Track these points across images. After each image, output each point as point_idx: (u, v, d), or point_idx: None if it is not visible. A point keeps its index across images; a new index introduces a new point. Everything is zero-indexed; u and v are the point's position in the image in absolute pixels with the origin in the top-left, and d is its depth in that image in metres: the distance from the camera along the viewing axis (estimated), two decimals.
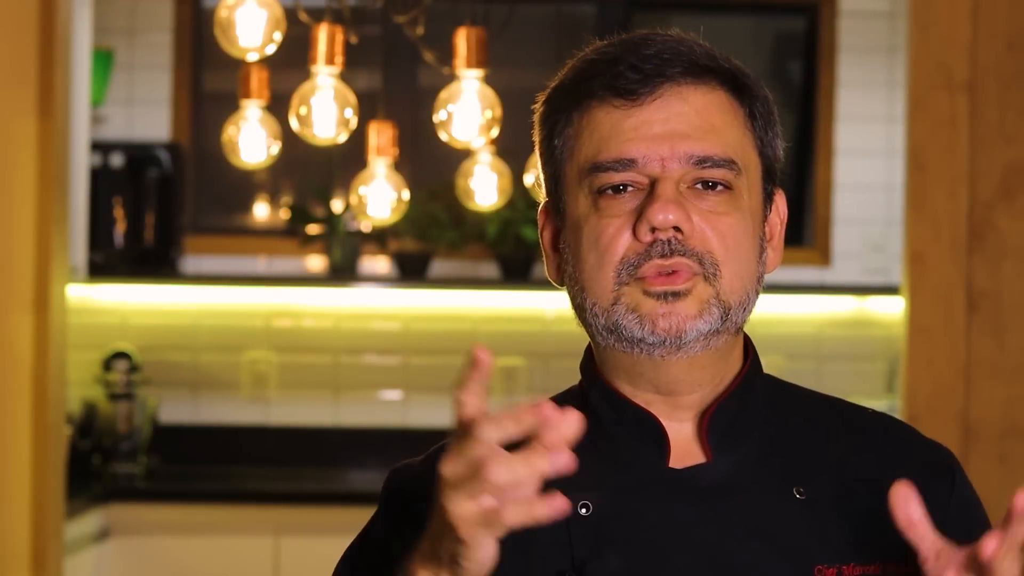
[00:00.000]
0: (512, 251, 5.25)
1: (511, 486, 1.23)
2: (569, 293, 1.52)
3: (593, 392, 1.53)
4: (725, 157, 1.46)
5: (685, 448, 1.50)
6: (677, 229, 1.44)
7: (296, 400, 5.37)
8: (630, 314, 1.45)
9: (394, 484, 1.55)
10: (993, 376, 3.52)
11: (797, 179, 5.53)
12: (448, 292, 5.37)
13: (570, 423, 1.25)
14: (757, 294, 1.50)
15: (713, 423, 1.49)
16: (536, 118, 1.55)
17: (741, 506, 1.46)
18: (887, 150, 5.42)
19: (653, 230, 1.44)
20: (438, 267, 5.36)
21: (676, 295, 1.45)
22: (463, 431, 1.26)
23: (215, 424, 5.36)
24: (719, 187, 1.46)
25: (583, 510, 1.46)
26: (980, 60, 3.53)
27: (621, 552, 1.44)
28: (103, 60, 5.24)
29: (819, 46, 5.47)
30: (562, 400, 1.57)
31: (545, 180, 1.55)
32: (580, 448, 1.50)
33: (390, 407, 5.38)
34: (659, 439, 1.49)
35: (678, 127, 1.46)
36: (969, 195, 3.54)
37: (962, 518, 1.52)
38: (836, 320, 5.38)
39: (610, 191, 1.47)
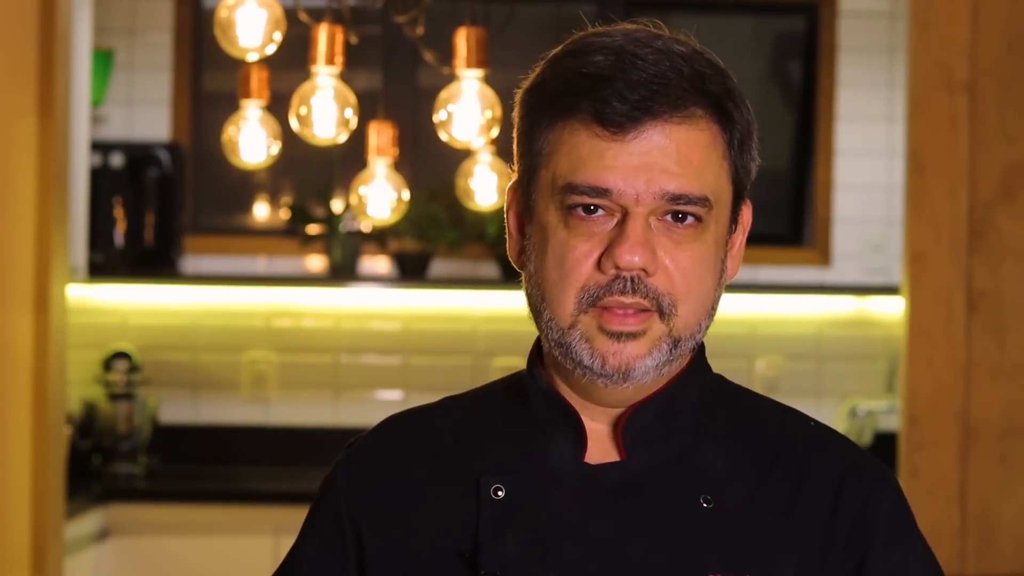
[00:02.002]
0: None
1: None
2: (526, 287, 1.54)
3: (528, 380, 1.56)
4: (700, 195, 1.47)
5: (605, 445, 1.53)
6: (642, 269, 1.46)
7: (296, 400, 5.38)
8: (583, 343, 1.48)
9: (335, 480, 1.62)
10: (993, 376, 3.52)
11: (797, 179, 5.53)
12: (448, 292, 5.37)
13: None
14: (711, 318, 1.52)
15: (630, 424, 1.52)
16: (518, 100, 1.55)
17: (645, 507, 1.48)
18: (887, 150, 5.42)
19: (617, 267, 1.46)
20: (438, 267, 5.36)
21: (631, 336, 1.47)
22: None
23: (215, 424, 5.36)
24: (689, 219, 1.48)
25: (498, 493, 1.50)
26: (980, 60, 3.53)
27: (520, 538, 1.48)
28: (103, 60, 5.24)
29: (819, 46, 5.47)
30: (505, 384, 1.62)
31: (520, 165, 1.55)
32: (508, 433, 1.54)
33: (390, 407, 5.38)
34: (577, 432, 1.52)
35: (657, 161, 1.46)
36: (969, 195, 3.54)
37: (871, 524, 1.51)
38: (836, 320, 5.38)
39: (581, 210, 1.47)
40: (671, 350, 1.48)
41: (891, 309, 5.28)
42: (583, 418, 1.52)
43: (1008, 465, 3.48)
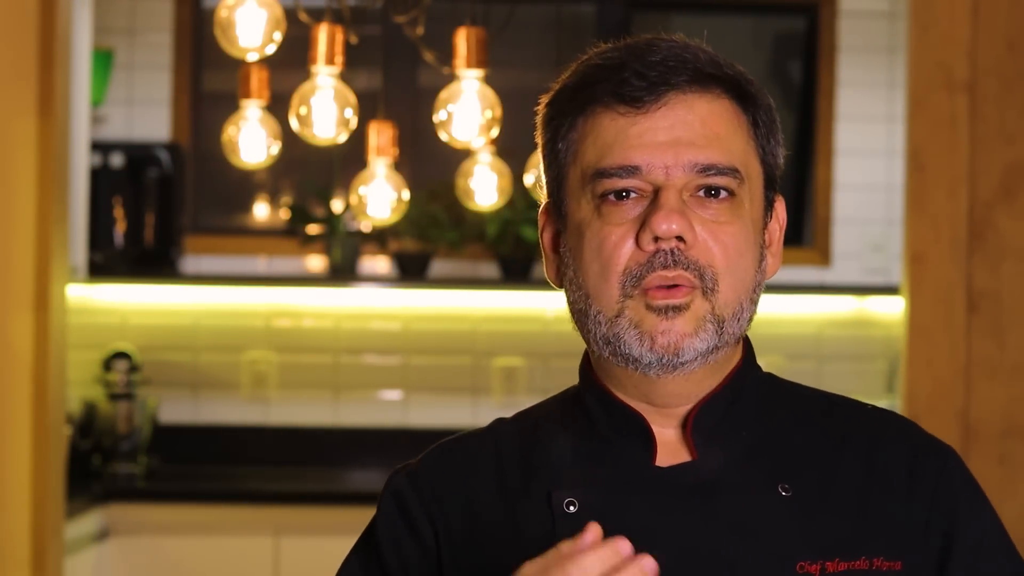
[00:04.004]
0: (512, 251, 5.25)
1: None
2: (569, 297, 1.53)
3: (587, 393, 1.55)
4: (729, 165, 1.47)
5: (672, 447, 1.51)
6: (680, 239, 1.45)
7: (296, 400, 5.37)
8: (632, 329, 1.46)
9: (393, 487, 1.57)
10: (993, 376, 3.52)
11: (797, 179, 5.53)
12: (448, 292, 5.37)
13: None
14: (754, 304, 1.51)
15: (698, 423, 1.51)
16: (539, 120, 1.55)
17: (725, 504, 1.47)
18: (887, 150, 5.42)
19: (656, 239, 1.45)
20: (438, 267, 5.36)
21: (677, 309, 1.45)
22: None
23: (215, 424, 5.36)
24: (722, 194, 1.47)
25: (570, 508, 1.48)
26: (980, 60, 3.53)
27: None
28: (103, 60, 5.24)
29: (819, 46, 5.47)
30: (560, 401, 1.60)
31: (547, 182, 1.55)
32: (572, 447, 1.52)
33: (390, 407, 5.38)
34: (645, 438, 1.51)
35: (683, 135, 1.46)
36: (969, 195, 3.54)
37: (950, 498, 1.52)
38: (836, 320, 5.38)
39: (612, 197, 1.47)
40: (716, 332, 1.47)
41: (891, 309, 5.28)
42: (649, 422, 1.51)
43: (1008, 465, 3.48)
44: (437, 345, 5.37)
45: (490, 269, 5.38)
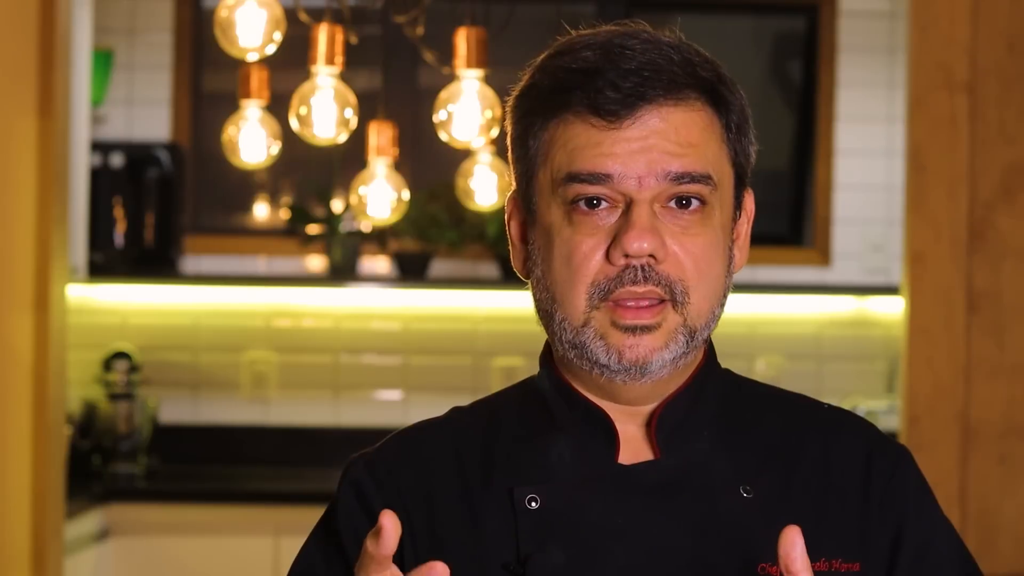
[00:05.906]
0: None
1: None
2: (535, 295, 1.53)
3: (548, 386, 1.55)
4: (703, 172, 1.47)
5: (635, 445, 1.51)
6: (651, 255, 1.45)
7: (296, 400, 5.38)
8: (598, 340, 1.47)
9: (351, 476, 1.57)
10: (993, 376, 3.52)
11: (797, 179, 5.53)
12: (448, 292, 5.37)
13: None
14: (723, 307, 1.52)
15: (662, 422, 1.51)
16: (509, 108, 1.54)
17: (687, 503, 1.47)
18: (887, 150, 5.42)
19: (627, 256, 1.45)
20: (438, 267, 5.36)
21: (646, 329, 1.46)
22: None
23: (215, 424, 5.36)
24: (693, 204, 1.47)
25: (532, 504, 1.48)
26: (980, 60, 3.53)
27: (565, 546, 1.46)
28: (103, 60, 5.24)
29: (819, 46, 5.47)
30: (519, 391, 1.60)
31: (516, 174, 1.54)
32: (532, 441, 1.52)
33: (390, 407, 5.38)
34: (609, 435, 1.51)
35: (656, 143, 1.46)
36: (969, 195, 3.54)
37: (901, 499, 1.53)
38: (836, 320, 5.38)
39: (583, 204, 1.46)
40: (687, 342, 1.47)
41: (891, 309, 5.28)
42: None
43: (1008, 465, 3.48)
44: (437, 345, 5.37)
45: (490, 269, 5.38)
